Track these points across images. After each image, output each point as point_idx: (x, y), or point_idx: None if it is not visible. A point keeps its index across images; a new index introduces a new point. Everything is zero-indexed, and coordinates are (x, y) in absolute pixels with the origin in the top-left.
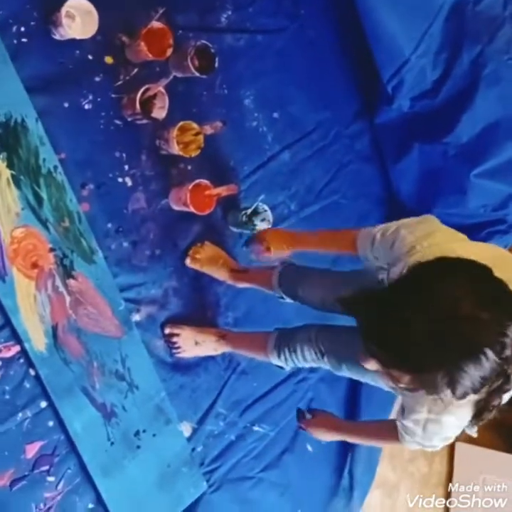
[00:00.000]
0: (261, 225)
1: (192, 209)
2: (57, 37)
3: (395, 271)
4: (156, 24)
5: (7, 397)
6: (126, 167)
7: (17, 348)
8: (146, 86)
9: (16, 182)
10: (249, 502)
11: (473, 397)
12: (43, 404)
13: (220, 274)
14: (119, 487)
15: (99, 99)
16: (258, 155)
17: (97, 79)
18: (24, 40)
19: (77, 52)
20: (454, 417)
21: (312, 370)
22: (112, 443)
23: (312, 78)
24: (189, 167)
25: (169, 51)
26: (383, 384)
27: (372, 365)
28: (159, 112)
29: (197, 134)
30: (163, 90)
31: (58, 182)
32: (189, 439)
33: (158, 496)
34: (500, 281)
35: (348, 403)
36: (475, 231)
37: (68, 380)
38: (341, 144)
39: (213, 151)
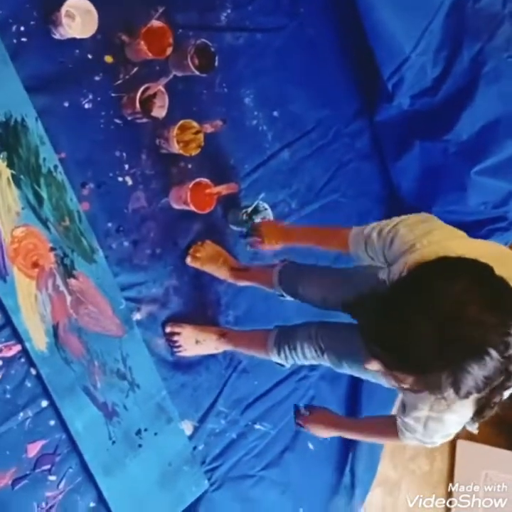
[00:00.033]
0: None
1: (192, 208)
2: (57, 36)
3: (395, 270)
4: (155, 23)
5: (8, 396)
6: (127, 166)
7: (18, 348)
8: (146, 85)
9: (16, 181)
10: (250, 500)
11: (475, 395)
12: (44, 403)
13: (221, 273)
14: (120, 486)
15: (99, 99)
16: (258, 153)
17: (97, 78)
18: (24, 39)
19: (77, 51)
20: (455, 414)
21: (313, 367)
22: (114, 442)
23: (312, 76)
24: (189, 166)
25: (169, 50)
26: (384, 382)
27: (375, 366)
28: (159, 111)
29: (197, 132)
30: (163, 89)
31: (58, 181)
32: (190, 437)
33: (159, 495)
34: (502, 280)
35: (349, 400)
36: (475, 228)
37: (69, 379)
38: (341, 142)
39: (213, 150)
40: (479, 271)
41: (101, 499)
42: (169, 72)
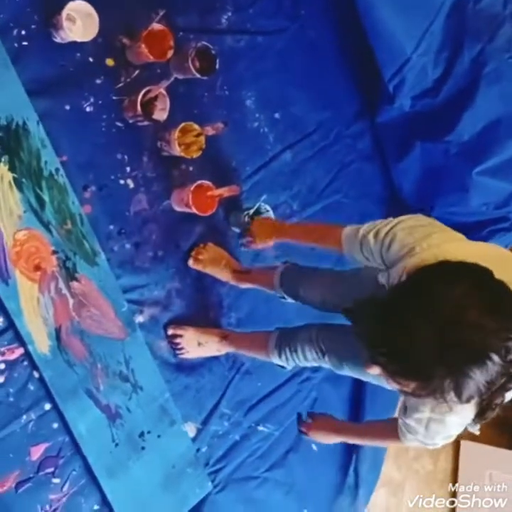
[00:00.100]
0: None
1: (194, 210)
2: (58, 40)
3: (395, 274)
4: (156, 26)
5: (11, 399)
6: (128, 169)
7: (21, 351)
8: (147, 88)
9: (18, 185)
10: (254, 502)
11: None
12: (47, 406)
13: (223, 275)
14: (124, 488)
15: (100, 102)
16: (260, 155)
17: (98, 81)
18: (25, 43)
19: (78, 54)
20: (457, 416)
21: (315, 369)
22: (117, 444)
23: (313, 78)
24: (191, 168)
25: (170, 53)
26: (386, 384)
27: (375, 370)
28: (160, 114)
29: (198, 135)
30: (164, 92)
31: (60, 184)
32: (194, 439)
33: (163, 497)
34: (502, 284)
35: (352, 402)
36: (477, 229)
37: (72, 382)
38: (343, 144)
39: (215, 152)
40: (479, 275)
41: (105, 502)
42: (170, 74)
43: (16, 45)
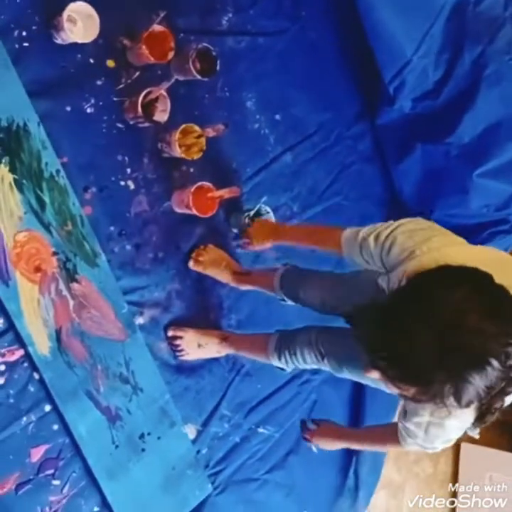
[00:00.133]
0: None
1: (194, 211)
2: (58, 41)
3: (394, 279)
4: (157, 27)
5: (11, 400)
6: (129, 170)
7: (21, 352)
8: (148, 89)
9: (19, 186)
10: (254, 503)
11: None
12: (48, 407)
13: (223, 277)
14: (124, 490)
15: (101, 103)
16: (260, 157)
17: (99, 82)
18: (26, 44)
19: (79, 56)
20: (456, 420)
21: (315, 371)
22: (117, 446)
23: (313, 80)
24: (191, 170)
25: (171, 54)
26: (385, 387)
27: (375, 374)
28: (161, 115)
29: (199, 136)
30: (164, 93)
31: (61, 186)
32: (194, 441)
33: (163, 499)
34: (502, 288)
35: (352, 404)
36: (477, 231)
37: (72, 383)
38: (343, 146)
39: (215, 154)
40: (479, 279)
41: (105, 503)
42: (171, 76)
43: (16, 46)
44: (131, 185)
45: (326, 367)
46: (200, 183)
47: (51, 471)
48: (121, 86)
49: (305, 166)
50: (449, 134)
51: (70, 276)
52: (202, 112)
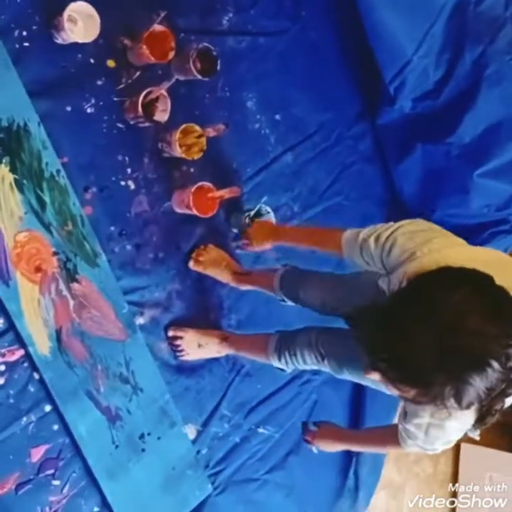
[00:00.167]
0: None
1: (195, 212)
2: (59, 41)
3: (395, 280)
4: (157, 27)
5: (11, 401)
6: (129, 170)
7: (21, 352)
8: (149, 89)
9: (19, 186)
10: (254, 504)
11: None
12: (48, 407)
13: (223, 277)
14: (124, 490)
15: (101, 103)
16: (261, 157)
17: (99, 82)
18: (26, 44)
19: (79, 55)
20: (457, 422)
21: (316, 372)
22: (117, 446)
23: (314, 80)
24: (192, 169)
25: (171, 54)
26: (385, 389)
27: (375, 376)
28: (161, 115)
29: (199, 136)
30: (165, 93)
31: (61, 186)
32: (194, 441)
33: (163, 499)
34: (502, 290)
35: (352, 405)
36: (478, 231)
37: (72, 383)
38: (344, 146)
39: (216, 154)
40: (479, 281)
41: (105, 503)
42: (171, 76)
43: (17, 46)
44: (132, 185)
45: (326, 368)
46: (200, 183)
47: (51, 471)
48: (121, 86)
49: (305, 166)
50: (449, 133)
51: (71, 277)
52: (202, 112)
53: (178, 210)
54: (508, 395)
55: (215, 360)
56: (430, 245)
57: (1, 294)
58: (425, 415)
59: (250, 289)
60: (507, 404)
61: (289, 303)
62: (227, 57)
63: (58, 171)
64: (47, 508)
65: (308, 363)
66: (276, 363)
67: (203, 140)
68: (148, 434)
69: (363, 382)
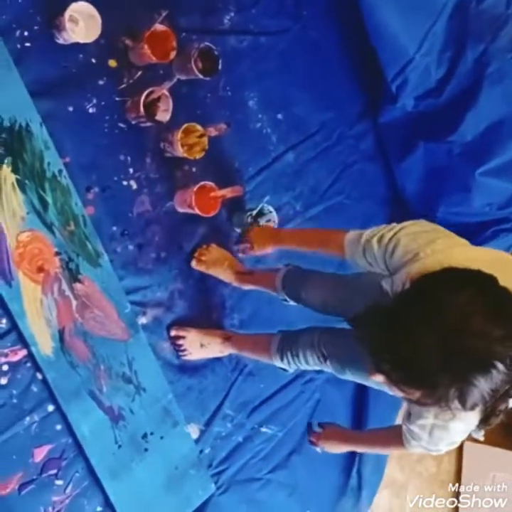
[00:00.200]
0: None
1: (197, 211)
2: (60, 41)
3: (398, 281)
4: (159, 27)
5: (14, 401)
6: (131, 170)
7: (24, 352)
8: (150, 89)
9: (21, 186)
10: (257, 503)
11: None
12: (51, 407)
13: (226, 276)
14: (127, 490)
15: (103, 103)
16: (262, 156)
17: (101, 82)
18: (27, 44)
19: (81, 56)
20: (461, 423)
21: (319, 370)
22: (120, 446)
23: (315, 79)
24: (194, 169)
25: (173, 54)
26: (388, 389)
27: (379, 378)
28: (163, 115)
29: (201, 136)
30: (167, 93)
31: (63, 186)
32: (197, 441)
33: (166, 499)
34: (506, 291)
35: (355, 403)
36: (480, 230)
37: (75, 383)
38: (345, 144)
39: (218, 153)
40: (483, 282)
41: (108, 503)
42: (173, 75)
43: (18, 46)
44: (134, 185)
45: (328, 368)
46: (202, 183)
47: (54, 471)
48: (123, 86)
49: (307, 165)
50: (451, 132)
51: (73, 277)
52: (204, 112)
53: (181, 210)
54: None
55: (218, 359)
56: (433, 246)
57: (3, 294)
58: (429, 416)
59: (253, 289)
60: (511, 405)
61: (291, 303)
62: (228, 56)
63: (60, 171)
64: (50, 508)
65: (310, 363)
66: (278, 364)
67: (205, 140)
68: (151, 433)
69: (366, 383)
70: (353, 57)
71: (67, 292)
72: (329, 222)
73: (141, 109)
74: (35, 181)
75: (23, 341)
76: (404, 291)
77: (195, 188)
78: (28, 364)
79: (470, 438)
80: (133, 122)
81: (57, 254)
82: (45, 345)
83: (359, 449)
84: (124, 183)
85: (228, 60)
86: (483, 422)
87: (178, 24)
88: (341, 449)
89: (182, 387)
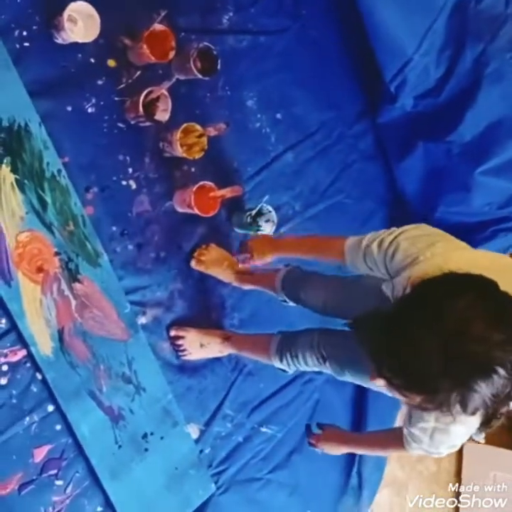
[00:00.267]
0: (265, 226)
1: (196, 211)
2: (59, 41)
3: (398, 286)
4: (158, 27)
5: (14, 401)
6: (130, 170)
7: (23, 352)
8: (149, 89)
9: (20, 186)
10: (258, 503)
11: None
12: (50, 408)
13: (225, 276)
14: (127, 490)
15: (102, 103)
16: (262, 156)
17: (100, 82)
18: (26, 44)
19: (80, 55)
20: (462, 426)
21: (318, 371)
22: (120, 446)
23: (315, 78)
24: (193, 169)
25: (172, 53)
26: (387, 392)
27: (380, 382)
28: (162, 115)
29: (200, 135)
30: (166, 93)
31: (62, 186)
32: (197, 441)
33: (166, 499)
34: (507, 296)
35: (355, 404)
36: (480, 229)
37: (75, 383)
38: (345, 144)
39: (217, 153)
40: (484, 286)
41: (108, 503)
42: (172, 75)
43: (17, 46)
44: (133, 185)
45: (327, 370)
46: (201, 183)
47: (54, 471)
48: (122, 85)
49: (307, 164)
50: (450, 132)
51: (72, 277)
52: (203, 111)
53: (180, 210)
54: None
55: (217, 359)
56: (433, 249)
57: (3, 294)
58: (430, 419)
59: (252, 289)
60: None
61: (291, 303)
62: (227, 56)
63: (59, 171)
64: (50, 508)
65: (309, 364)
66: (277, 364)
67: (204, 139)
68: (151, 433)
69: (365, 385)
70: (352, 57)
71: (67, 292)
72: (328, 221)
73: (140, 108)
74: (34, 181)
75: (22, 341)
76: (404, 296)
77: (194, 188)
78: (28, 364)
79: (470, 439)
80: (132, 122)
81: (57, 254)
82: (44, 345)
83: (359, 451)
84: (123, 182)
85: (227, 60)
86: (484, 424)
87: (177, 24)
88: (341, 450)
89: (182, 387)
